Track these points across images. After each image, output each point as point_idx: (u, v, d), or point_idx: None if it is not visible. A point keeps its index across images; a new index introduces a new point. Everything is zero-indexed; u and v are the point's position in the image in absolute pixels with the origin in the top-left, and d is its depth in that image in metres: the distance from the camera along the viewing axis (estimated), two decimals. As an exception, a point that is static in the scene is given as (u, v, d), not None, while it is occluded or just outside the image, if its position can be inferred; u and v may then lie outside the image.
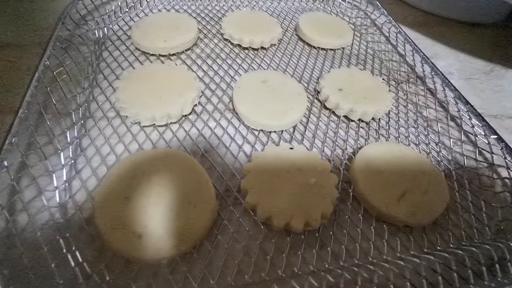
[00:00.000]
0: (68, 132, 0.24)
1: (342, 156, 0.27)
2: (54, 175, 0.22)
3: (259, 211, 0.22)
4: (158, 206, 0.21)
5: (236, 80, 0.33)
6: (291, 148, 0.25)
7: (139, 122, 0.27)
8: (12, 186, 0.21)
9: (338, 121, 0.30)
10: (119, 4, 0.38)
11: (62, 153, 0.23)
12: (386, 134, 0.30)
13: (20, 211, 0.20)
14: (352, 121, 0.30)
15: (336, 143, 0.28)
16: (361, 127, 0.30)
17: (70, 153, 0.24)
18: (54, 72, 0.27)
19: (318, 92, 0.32)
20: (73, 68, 0.30)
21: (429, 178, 0.25)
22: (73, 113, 0.26)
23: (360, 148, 0.28)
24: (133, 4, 0.39)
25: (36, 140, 0.23)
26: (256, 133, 0.28)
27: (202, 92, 0.30)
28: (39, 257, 0.18)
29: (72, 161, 0.24)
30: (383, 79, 0.35)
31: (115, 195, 0.21)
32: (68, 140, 0.24)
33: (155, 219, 0.20)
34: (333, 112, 0.31)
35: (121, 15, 0.38)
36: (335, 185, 0.24)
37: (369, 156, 0.26)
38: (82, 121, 0.26)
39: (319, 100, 0.32)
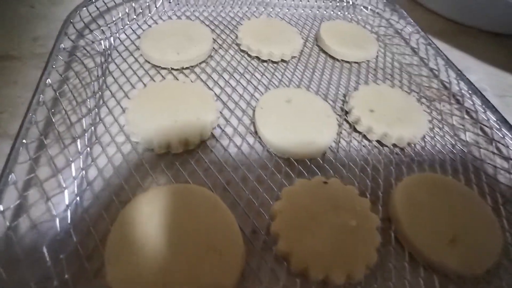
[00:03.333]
0: (73, 164, 0.21)
1: (379, 188, 0.24)
2: (57, 218, 0.19)
3: (293, 261, 0.19)
4: (179, 255, 0.18)
5: (256, 98, 0.30)
6: (325, 182, 0.22)
7: (152, 150, 0.24)
8: (8, 235, 0.18)
9: (371, 147, 0.27)
10: (126, 10, 0.35)
11: (66, 191, 0.20)
12: (425, 162, 0.27)
13: (18, 262, 0.17)
14: (386, 146, 0.28)
15: (371, 172, 0.25)
16: (395, 153, 0.27)
17: (76, 188, 0.21)
18: (57, 92, 0.24)
19: (347, 112, 0.30)
20: (77, 84, 0.27)
21: (482, 218, 0.22)
22: (78, 140, 0.23)
23: (397, 179, 0.25)
24: (141, 11, 0.36)
25: (37, 175, 0.20)
26: (283, 160, 0.25)
27: (220, 112, 0.28)
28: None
29: (78, 198, 0.21)
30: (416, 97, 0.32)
31: (128, 242, 0.18)
32: (73, 173, 0.21)
33: (176, 272, 0.17)
34: (365, 136, 0.28)
35: (128, 22, 0.35)
36: (377, 227, 0.21)
37: (410, 189, 0.23)
38: (88, 149, 0.23)
39: (347, 121, 0.29)
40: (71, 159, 0.21)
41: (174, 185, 0.22)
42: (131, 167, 0.23)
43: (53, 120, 0.23)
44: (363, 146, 0.27)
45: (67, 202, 0.20)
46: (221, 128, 0.27)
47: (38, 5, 0.36)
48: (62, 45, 0.28)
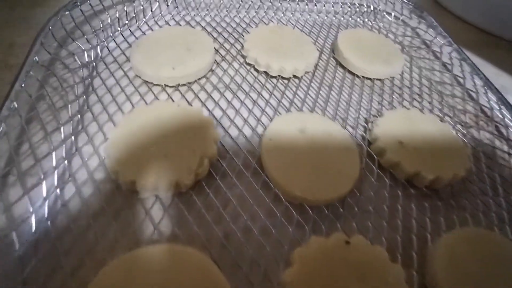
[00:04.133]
0: (33, 215, 0.17)
1: (412, 247, 0.20)
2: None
3: None
4: None
5: (262, 124, 0.25)
6: (347, 243, 0.18)
7: (137, 192, 0.20)
8: None
9: (399, 188, 0.23)
10: (117, 14, 0.31)
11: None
12: (465, 209, 0.22)
13: None
14: (416, 187, 0.23)
15: (401, 223, 0.21)
16: (428, 196, 0.23)
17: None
18: (24, 119, 0.20)
19: (370, 142, 0.25)
20: (51, 106, 0.23)
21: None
22: (44, 181, 0.19)
23: (434, 232, 0.21)
24: (134, 15, 0.32)
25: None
26: (293, 206, 0.21)
27: (220, 142, 0.23)
28: None
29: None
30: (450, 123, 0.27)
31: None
32: (33, 229, 0.17)
33: None
34: (391, 173, 0.24)
35: (119, 28, 0.31)
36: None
37: (452, 250, 0.19)
38: (58, 190, 0.19)
39: (370, 153, 0.25)
40: (31, 210, 0.17)
41: (158, 246, 0.17)
42: (110, 214, 0.19)
43: (17, 154, 0.19)
44: (390, 186, 0.23)
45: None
46: (220, 162, 0.22)
47: (19, 7, 0.32)
48: (36, 58, 0.24)
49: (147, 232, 0.19)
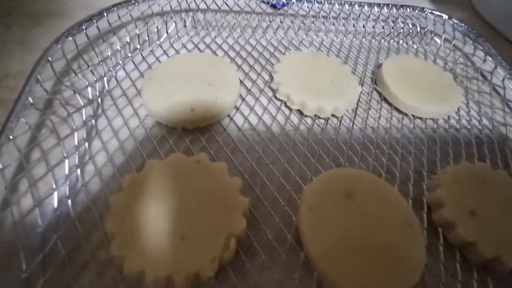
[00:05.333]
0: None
1: None
2: None
3: None
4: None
5: (299, 182, 0.21)
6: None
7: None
8: None
9: (473, 276, 0.18)
10: (128, 38, 0.27)
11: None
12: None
13: None
14: (495, 272, 0.18)
15: None
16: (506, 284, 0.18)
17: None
18: (6, 180, 0.16)
19: (430, 209, 0.20)
20: (48, 160, 0.19)
21: None
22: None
23: None
24: (147, 38, 0.28)
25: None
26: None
27: (249, 207, 0.19)
28: None
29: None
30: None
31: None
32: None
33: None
34: (460, 251, 0.19)
35: (129, 54, 0.27)
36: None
37: None
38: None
39: (431, 223, 0.20)
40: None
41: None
42: None
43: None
44: (462, 271, 0.18)
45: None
46: (248, 234, 0.18)
47: (14, 26, 0.28)
48: (29, 99, 0.20)
49: None
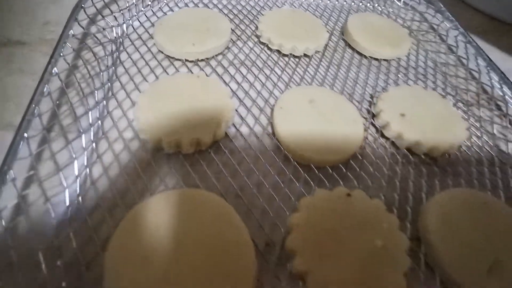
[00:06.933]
0: (76, 161, 0.20)
1: (407, 203, 0.22)
2: (55, 221, 0.17)
3: (310, 282, 0.17)
4: (185, 268, 0.16)
5: (275, 96, 0.27)
6: (348, 195, 0.20)
7: (162, 148, 0.22)
8: (4, 237, 0.16)
9: (400, 156, 0.25)
10: (141, -5, 0.33)
11: (67, 190, 0.19)
12: (460, 175, 0.24)
13: (14, 270, 0.16)
14: (417, 155, 0.25)
15: (398, 184, 0.23)
16: (426, 163, 0.25)
17: (78, 188, 0.19)
18: (63, 82, 0.23)
19: (374, 115, 0.27)
20: (86, 73, 0.25)
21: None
22: (83, 135, 0.21)
23: (428, 193, 0.23)
24: (156, -3, 0.34)
25: (37, 173, 0.19)
26: (302, 166, 0.23)
27: (236, 110, 0.25)
28: None
29: (80, 198, 0.19)
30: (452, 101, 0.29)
31: (130, 254, 0.17)
32: (76, 172, 0.20)
33: (181, 289, 0.16)
34: (393, 143, 0.25)
35: (142, 9, 0.33)
36: (406, 250, 0.19)
37: (443, 206, 0.21)
38: (94, 144, 0.22)
39: (374, 125, 0.26)
40: (74, 156, 0.20)
41: (184, 189, 0.20)
42: (138, 166, 0.21)
43: (58, 112, 0.22)
44: (391, 154, 0.25)
45: (67, 202, 0.18)
46: (236, 127, 0.25)
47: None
48: (71, 32, 0.26)
49: (171, 184, 0.21)
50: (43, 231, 0.18)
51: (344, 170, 0.23)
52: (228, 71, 0.29)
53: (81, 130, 0.21)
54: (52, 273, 0.16)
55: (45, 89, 0.22)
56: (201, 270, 0.16)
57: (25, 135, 0.19)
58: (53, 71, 0.23)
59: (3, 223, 0.17)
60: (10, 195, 0.17)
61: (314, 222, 0.19)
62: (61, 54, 0.24)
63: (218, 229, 0.18)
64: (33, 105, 0.20)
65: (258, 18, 0.35)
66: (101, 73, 0.25)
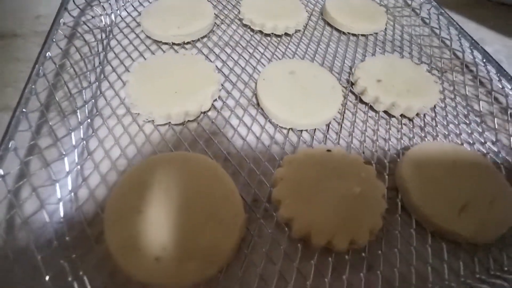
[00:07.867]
0: (73, 133, 0.21)
1: (385, 158, 0.23)
2: (57, 184, 0.19)
3: (295, 226, 0.19)
4: (178, 222, 0.18)
5: (258, 71, 0.29)
6: (329, 151, 0.22)
7: (153, 121, 0.24)
8: (9, 199, 0.18)
9: (378, 118, 0.26)
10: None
11: (66, 158, 0.20)
12: (434, 132, 0.26)
13: (18, 229, 0.18)
14: (393, 117, 0.27)
15: (377, 142, 0.24)
16: (403, 123, 0.26)
17: (76, 158, 0.21)
18: (57, 64, 0.24)
19: (353, 84, 0.28)
20: (78, 59, 0.27)
21: (494, 185, 0.21)
22: (78, 111, 0.23)
23: (405, 149, 0.24)
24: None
25: (37, 144, 0.20)
26: (285, 131, 0.24)
27: (222, 85, 0.27)
28: (40, 286, 0.15)
29: (78, 167, 0.21)
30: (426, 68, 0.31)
31: (127, 208, 0.18)
32: (74, 142, 0.21)
33: (175, 238, 0.17)
34: (371, 107, 0.27)
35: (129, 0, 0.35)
36: (383, 195, 0.20)
37: (418, 158, 0.22)
38: (89, 120, 0.23)
39: (353, 93, 0.28)
40: (71, 129, 0.21)
41: (175, 153, 0.21)
42: (131, 138, 0.23)
43: (54, 91, 0.23)
44: (369, 117, 0.26)
45: (67, 169, 0.20)
46: (222, 100, 0.26)
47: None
48: (62, 20, 0.28)
49: (162, 150, 0.23)
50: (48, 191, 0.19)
51: (325, 133, 0.25)
52: (213, 51, 0.30)
53: (76, 108, 0.23)
54: (56, 231, 0.17)
55: (40, 71, 0.23)
56: (194, 221, 0.18)
57: (24, 110, 0.21)
58: (47, 55, 0.24)
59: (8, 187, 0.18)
60: (13, 163, 0.19)
61: (297, 175, 0.20)
62: (54, 40, 0.26)
63: (209, 187, 0.19)
64: (30, 85, 0.22)
65: (240, 3, 0.36)
66: (93, 57, 0.27)
